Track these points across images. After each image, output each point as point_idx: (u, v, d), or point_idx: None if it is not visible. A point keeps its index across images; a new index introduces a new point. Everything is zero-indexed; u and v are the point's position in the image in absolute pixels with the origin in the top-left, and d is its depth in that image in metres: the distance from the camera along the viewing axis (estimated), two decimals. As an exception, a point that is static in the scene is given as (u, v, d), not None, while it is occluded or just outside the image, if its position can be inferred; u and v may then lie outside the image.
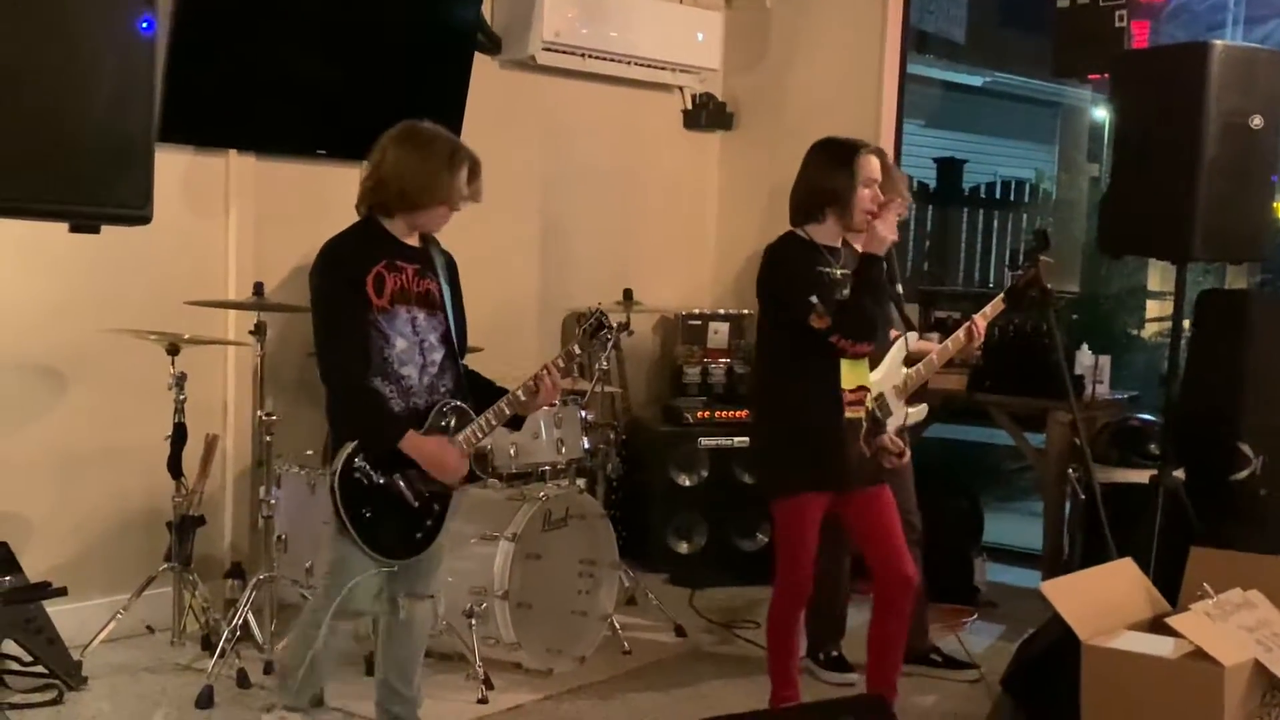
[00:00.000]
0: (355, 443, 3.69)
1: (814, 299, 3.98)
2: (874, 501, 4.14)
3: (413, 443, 3.69)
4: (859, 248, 4.13)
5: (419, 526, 3.78)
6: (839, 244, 4.15)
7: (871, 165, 4.07)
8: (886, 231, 4.05)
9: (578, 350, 3.96)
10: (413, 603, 3.90)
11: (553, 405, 5.15)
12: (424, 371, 3.77)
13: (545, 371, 3.83)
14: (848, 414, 4.06)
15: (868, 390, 4.13)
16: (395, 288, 3.74)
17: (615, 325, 4.05)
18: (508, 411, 3.83)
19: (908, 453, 4.28)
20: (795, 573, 4.13)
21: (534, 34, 6.16)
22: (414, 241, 3.85)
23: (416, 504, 3.75)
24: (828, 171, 4.09)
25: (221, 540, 5.41)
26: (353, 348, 3.68)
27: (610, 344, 4.97)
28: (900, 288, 4.51)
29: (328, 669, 3.89)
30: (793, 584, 4.16)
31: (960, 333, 4.74)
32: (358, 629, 4.38)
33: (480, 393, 3.92)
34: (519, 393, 3.82)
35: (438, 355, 3.81)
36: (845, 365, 4.06)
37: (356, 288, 3.69)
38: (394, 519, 3.73)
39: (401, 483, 3.72)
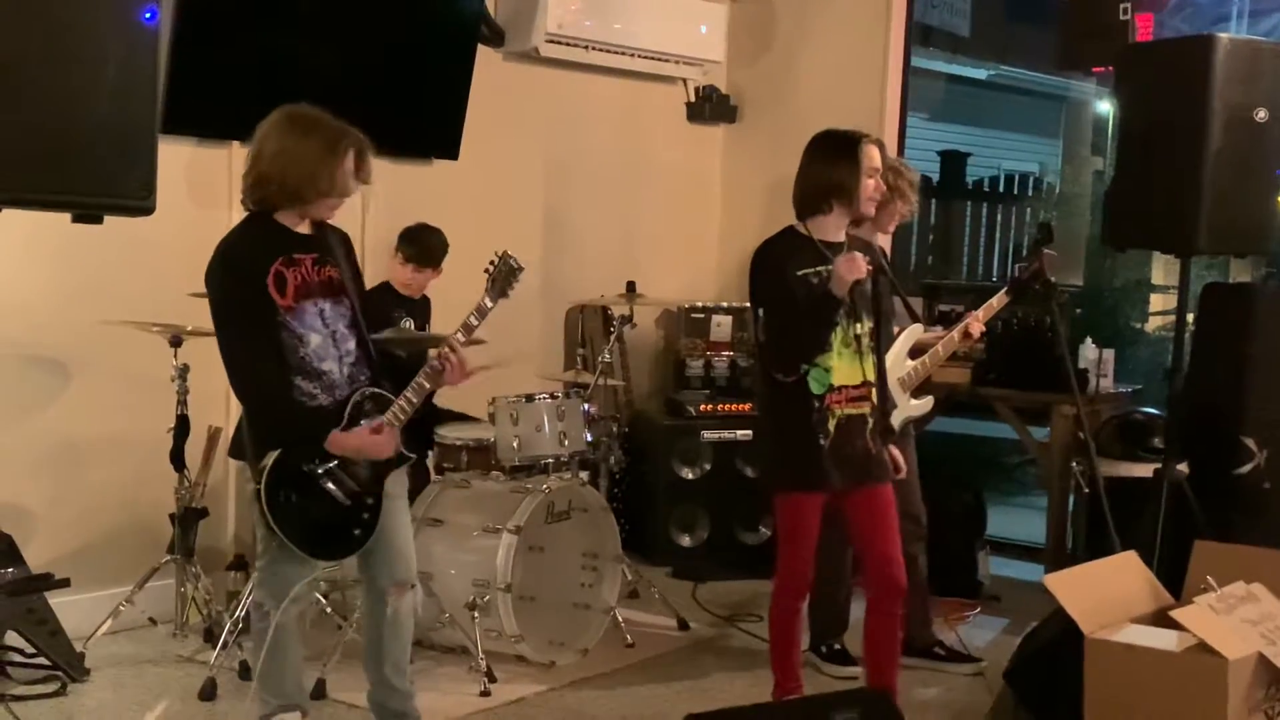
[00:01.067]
0: (278, 451, 3.60)
1: (761, 312, 4.02)
2: (873, 501, 4.11)
3: (337, 441, 3.61)
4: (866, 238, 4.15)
5: (356, 523, 3.70)
6: (842, 239, 4.13)
7: (874, 155, 4.06)
8: (848, 272, 3.91)
9: (489, 303, 3.82)
10: (398, 595, 3.84)
11: (554, 392, 5.15)
12: (342, 363, 3.69)
13: (447, 350, 3.74)
14: (848, 410, 4.04)
15: (872, 385, 4.11)
16: (297, 283, 3.62)
17: (521, 267, 3.87)
18: (427, 386, 3.75)
19: (905, 469, 4.26)
20: (795, 566, 4.12)
21: (537, 26, 6.16)
22: (306, 229, 3.72)
23: (349, 502, 3.67)
24: (830, 163, 4.07)
25: (224, 532, 5.42)
26: (261, 352, 3.58)
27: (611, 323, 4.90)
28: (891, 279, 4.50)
29: (296, 658, 3.85)
30: (793, 577, 4.15)
31: (954, 334, 4.74)
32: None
33: (392, 372, 3.85)
34: (432, 364, 3.74)
35: (351, 344, 3.72)
36: (846, 360, 4.04)
37: (258, 291, 3.57)
38: (328, 521, 3.65)
39: (330, 483, 3.63)
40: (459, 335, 3.78)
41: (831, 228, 4.10)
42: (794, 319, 3.98)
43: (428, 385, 3.77)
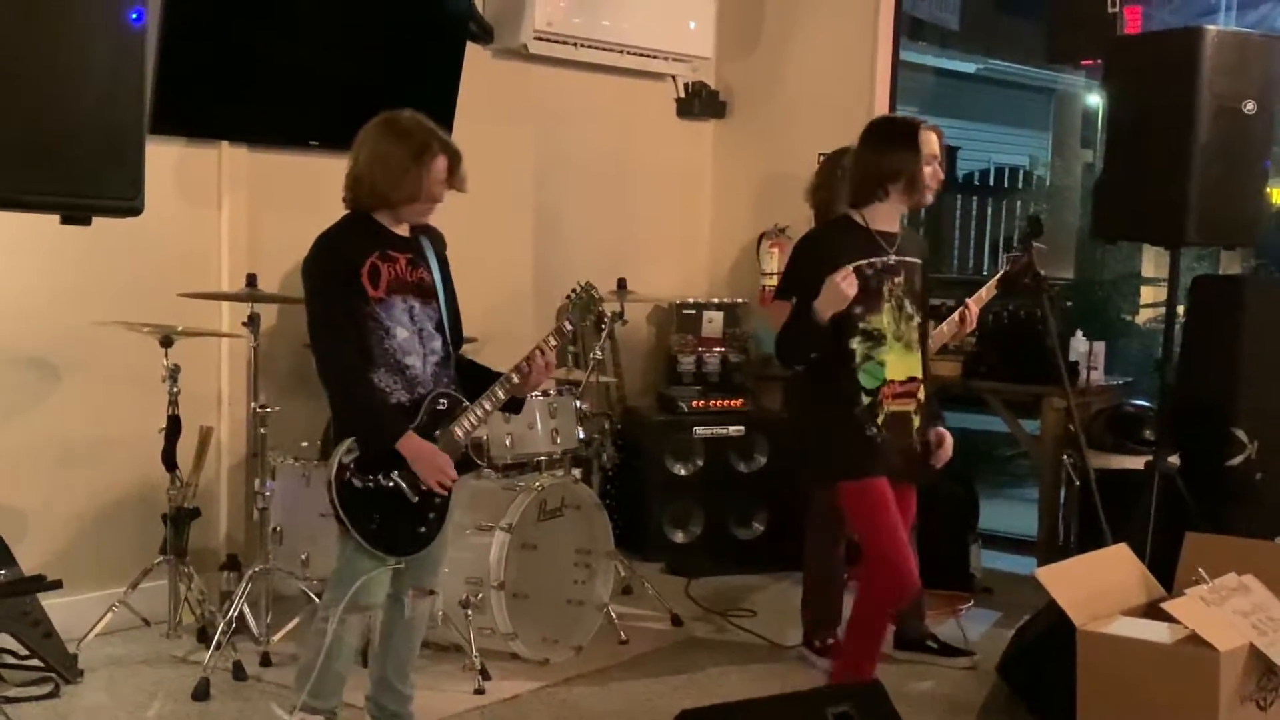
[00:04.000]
0: (351, 440, 3.67)
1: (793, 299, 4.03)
2: (901, 503, 4.09)
3: (408, 444, 3.66)
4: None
5: (422, 521, 3.75)
6: (897, 229, 4.11)
7: (932, 141, 4.06)
8: (836, 302, 3.88)
9: (569, 326, 3.96)
10: (418, 599, 3.89)
11: (546, 389, 5.14)
12: (426, 361, 3.77)
13: (537, 351, 3.81)
14: (893, 406, 4.01)
15: (919, 381, 4.07)
16: (390, 278, 3.72)
17: (602, 299, 4.02)
18: (503, 395, 3.81)
19: (948, 448, 4.20)
20: (889, 554, 3.99)
21: (526, 23, 6.15)
22: (403, 231, 3.83)
23: (417, 499, 3.71)
24: (890, 150, 4.05)
25: (217, 532, 5.41)
26: (349, 344, 3.67)
27: (603, 320, 4.97)
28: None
29: (347, 667, 3.86)
30: (888, 567, 4.01)
31: (955, 317, 4.74)
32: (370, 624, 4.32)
33: (472, 379, 3.90)
34: (512, 375, 3.80)
35: (436, 344, 3.81)
36: (894, 354, 4.01)
37: (351, 281, 3.67)
38: (396, 516, 3.70)
39: (401, 479, 3.69)
40: (538, 351, 3.82)
41: (886, 216, 4.09)
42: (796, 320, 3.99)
43: (503, 395, 3.82)
